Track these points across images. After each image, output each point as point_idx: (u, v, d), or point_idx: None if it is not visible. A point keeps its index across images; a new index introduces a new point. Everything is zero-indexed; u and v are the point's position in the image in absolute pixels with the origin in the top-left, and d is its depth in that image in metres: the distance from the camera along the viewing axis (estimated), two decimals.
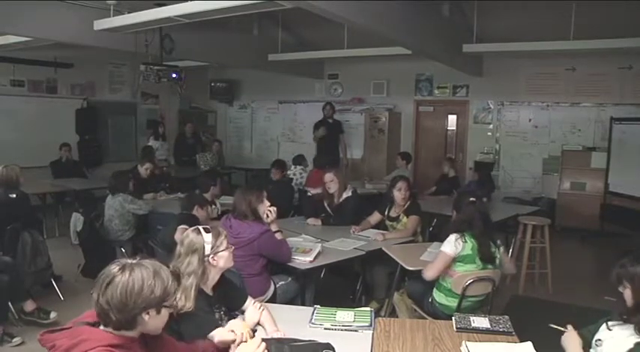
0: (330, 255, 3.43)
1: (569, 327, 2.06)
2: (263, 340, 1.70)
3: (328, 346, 1.84)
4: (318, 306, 2.42)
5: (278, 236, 3.27)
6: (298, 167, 6.69)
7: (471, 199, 3.09)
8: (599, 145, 6.97)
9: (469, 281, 2.85)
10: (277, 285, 3.22)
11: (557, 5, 5.61)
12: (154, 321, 1.51)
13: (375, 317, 2.31)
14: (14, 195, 4.18)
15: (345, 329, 2.21)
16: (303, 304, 3.17)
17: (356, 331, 2.20)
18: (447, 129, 8.50)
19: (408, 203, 4.14)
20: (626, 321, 1.88)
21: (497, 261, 2.98)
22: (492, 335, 2.16)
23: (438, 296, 3.02)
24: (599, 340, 1.93)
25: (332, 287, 4.11)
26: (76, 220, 4.53)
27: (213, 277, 2.20)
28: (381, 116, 8.52)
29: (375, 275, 4.04)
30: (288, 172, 6.62)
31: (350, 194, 4.45)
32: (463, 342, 2.04)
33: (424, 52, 6.22)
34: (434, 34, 5.86)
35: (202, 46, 6.77)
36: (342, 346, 1.95)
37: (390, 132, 8.46)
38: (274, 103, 10.16)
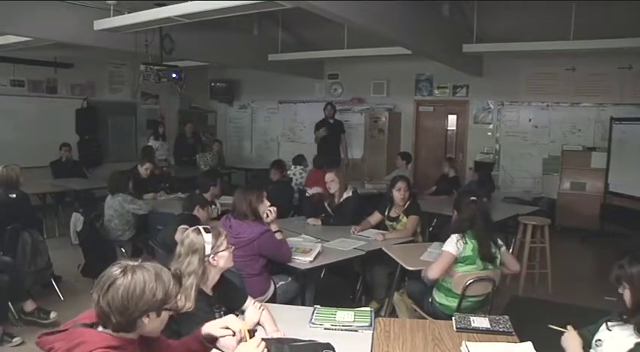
0: (330, 255, 3.42)
1: (569, 327, 2.06)
2: (263, 340, 1.70)
3: (328, 346, 1.84)
4: (318, 306, 2.42)
5: (278, 236, 3.27)
6: (298, 167, 6.69)
7: (472, 198, 3.09)
8: (599, 145, 6.98)
9: (469, 281, 2.85)
10: (277, 285, 3.22)
11: (557, 5, 5.61)
12: (153, 324, 1.50)
13: (375, 317, 2.31)
14: (14, 195, 4.18)
15: (345, 329, 2.21)
16: (303, 304, 3.17)
17: (356, 331, 2.20)
18: (447, 129, 8.50)
19: (408, 203, 4.14)
20: (625, 321, 1.88)
21: (498, 261, 2.99)
22: (492, 335, 2.16)
23: (438, 296, 3.02)
24: (599, 340, 1.93)
25: (332, 287, 4.11)
26: (76, 220, 4.53)
27: (213, 277, 2.20)
28: (381, 116, 8.52)
29: (375, 275, 4.04)
30: (288, 172, 6.62)
31: (350, 194, 4.45)
32: (463, 342, 2.04)
33: (424, 52, 6.22)
34: (434, 34, 5.86)
35: (202, 46, 6.77)
36: (342, 346, 1.95)
37: (390, 132, 8.46)
38: (274, 103, 10.16)
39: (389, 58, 7.06)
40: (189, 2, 4.31)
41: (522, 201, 6.97)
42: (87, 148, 8.46)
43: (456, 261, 2.90)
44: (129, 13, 5.00)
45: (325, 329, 2.21)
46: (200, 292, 2.08)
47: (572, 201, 6.99)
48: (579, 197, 6.95)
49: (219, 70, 10.08)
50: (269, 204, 3.28)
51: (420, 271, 3.24)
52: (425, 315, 3.06)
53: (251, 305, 2.28)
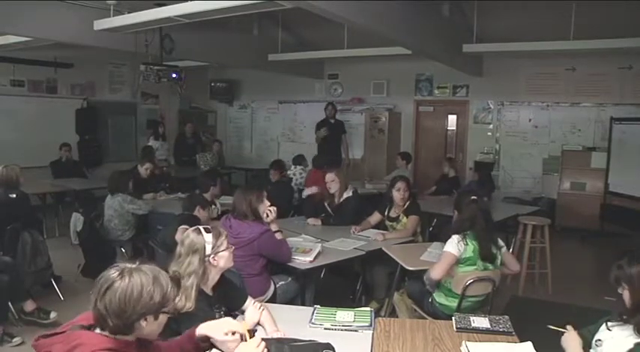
0: (330, 255, 3.42)
1: (569, 327, 2.06)
2: (263, 340, 1.70)
3: (328, 346, 1.84)
4: (318, 306, 2.42)
5: (278, 236, 3.27)
6: (298, 167, 6.69)
7: (473, 198, 3.09)
8: (599, 145, 6.98)
9: (469, 282, 2.85)
10: (277, 285, 3.22)
11: (557, 5, 5.61)
12: (151, 327, 1.49)
13: (375, 317, 2.31)
14: (14, 195, 4.18)
15: (345, 329, 2.21)
16: (303, 304, 3.17)
17: (356, 331, 2.20)
18: (447, 129, 8.50)
19: (408, 203, 4.14)
20: (625, 322, 1.88)
21: (498, 261, 2.98)
22: (492, 335, 2.16)
23: (438, 296, 3.02)
24: (599, 340, 1.93)
25: (332, 287, 4.12)
26: (76, 220, 4.53)
27: (214, 277, 2.20)
28: (381, 116, 8.52)
29: (375, 275, 4.04)
30: (288, 172, 6.62)
31: (351, 194, 4.45)
32: (463, 342, 2.04)
33: (424, 52, 6.22)
34: (434, 34, 5.86)
35: (202, 46, 6.77)
36: (342, 346, 1.95)
37: (390, 132, 8.46)
38: (274, 103, 10.16)
39: (389, 58, 7.06)
40: (189, 2, 4.31)
41: (522, 201, 6.97)
42: (87, 148, 8.46)
43: (457, 262, 2.90)
44: (129, 13, 5.00)
45: (325, 329, 2.21)
46: (200, 292, 2.08)
47: (572, 201, 6.99)
48: (579, 197, 6.95)
49: (219, 70, 10.08)
50: (269, 203, 3.28)
51: (419, 271, 3.25)
52: (425, 315, 3.06)
53: (251, 305, 2.28)
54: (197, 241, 2.14)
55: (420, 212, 4.17)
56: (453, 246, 2.89)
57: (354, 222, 4.16)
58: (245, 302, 2.33)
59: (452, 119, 8.44)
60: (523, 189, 7.65)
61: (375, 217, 4.26)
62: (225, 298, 2.28)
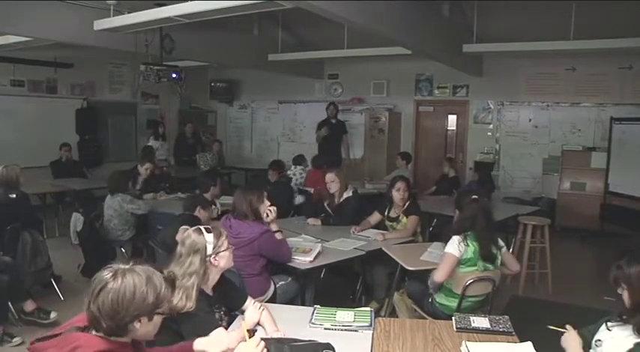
0: (330, 255, 3.42)
1: (569, 327, 2.06)
2: (263, 340, 1.70)
3: (328, 346, 1.84)
4: (318, 306, 2.42)
5: (278, 236, 3.27)
6: (298, 167, 6.69)
7: (474, 197, 3.09)
8: (599, 145, 6.98)
9: (469, 282, 2.85)
10: (277, 285, 3.22)
11: (557, 5, 5.61)
12: (145, 328, 1.48)
13: (375, 317, 2.31)
14: (14, 195, 4.18)
15: (345, 329, 2.21)
16: (303, 304, 3.17)
17: (356, 331, 2.20)
18: (447, 129, 8.50)
19: (408, 203, 4.14)
20: (625, 322, 1.88)
21: (498, 261, 2.98)
22: (492, 335, 2.16)
23: (438, 297, 3.02)
24: (599, 340, 1.93)
25: (332, 287, 4.11)
26: (76, 220, 4.53)
27: (214, 277, 2.21)
28: (381, 116, 8.52)
29: (375, 275, 4.04)
30: (288, 172, 6.62)
31: (350, 194, 4.45)
32: (463, 342, 2.04)
33: (424, 52, 6.22)
34: (434, 34, 5.86)
35: (202, 46, 6.77)
36: (342, 346, 1.95)
37: (390, 132, 8.46)
38: (274, 103, 10.16)
39: (389, 58, 7.06)
40: (189, 2, 4.31)
41: (522, 201, 6.97)
42: (87, 148, 8.45)
43: (458, 262, 2.89)
44: (129, 13, 5.00)
45: (325, 329, 2.21)
46: (200, 292, 2.08)
47: (572, 201, 6.99)
48: (579, 197, 6.95)
49: (219, 70, 10.08)
50: (269, 203, 3.29)
51: (419, 271, 3.25)
52: (425, 315, 3.06)
53: (251, 305, 2.28)
54: (198, 241, 2.14)
55: (419, 212, 4.17)
56: (454, 247, 2.88)
57: (354, 222, 4.15)
58: (245, 302, 2.33)
59: (452, 119, 8.43)
60: (523, 189, 7.65)
61: (375, 217, 4.25)
62: (225, 298, 2.29)
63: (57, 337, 1.46)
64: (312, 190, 5.72)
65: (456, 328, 2.22)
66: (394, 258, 3.38)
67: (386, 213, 4.24)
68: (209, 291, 2.19)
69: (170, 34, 6.11)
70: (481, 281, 2.90)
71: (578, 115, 7.24)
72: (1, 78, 7.57)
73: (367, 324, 2.23)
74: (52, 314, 3.70)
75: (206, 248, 2.13)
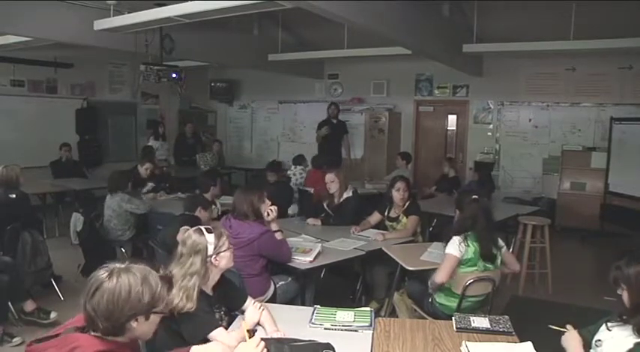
0: (330, 255, 3.42)
1: (569, 327, 2.06)
2: (263, 340, 1.70)
3: (328, 346, 1.84)
4: (318, 306, 2.42)
5: (278, 235, 3.27)
6: (298, 167, 6.68)
7: (474, 197, 3.08)
8: (599, 145, 6.98)
9: (469, 282, 2.85)
10: (277, 285, 3.22)
11: (557, 5, 5.61)
12: (142, 327, 1.48)
13: (375, 317, 2.31)
14: (14, 195, 4.18)
15: (345, 329, 2.21)
16: (303, 304, 3.17)
17: (356, 331, 2.20)
18: (447, 129, 8.50)
19: (408, 203, 4.14)
20: (625, 322, 1.88)
21: (498, 261, 2.98)
22: (492, 335, 2.16)
23: (438, 296, 3.02)
24: (599, 340, 1.93)
25: (332, 287, 4.11)
26: (76, 220, 4.53)
27: (214, 277, 2.21)
28: (381, 116, 8.52)
29: (375, 275, 4.04)
30: (288, 172, 6.62)
31: (350, 194, 4.45)
32: (463, 342, 2.04)
33: (424, 52, 6.22)
34: (434, 34, 5.86)
35: (202, 46, 6.77)
36: (342, 346, 1.95)
37: (390, 132, 8.46)
38: (274, 103, 10.16)
39: (389, 58, 7.06)
40: (189, 2, 4.31)
41: (522, 201, 6.97)
42: (87, 148, 8.45)
43: (459, 263, 2.89)
44: (129, 13, 5.00)
45: (325, 329, 2.21)
46: (200, 292, 2.08)
47: (572, 201, 6.99)
48: (579, 197, 6.95)
49: (219, 70, 10.07)
50: (269, 203, 3.29)
51: (419, 271, 3.25)
52: (425, 315, 3.06)
53: (251, 305, 2.28)
54: (199, 241, 2.14)
55: (419, 212, 4.17)
56: (455, 247, 2.88)
57: (354, 222, 4.15)
58: (245, 302, 2.33)
59: (452, 119, 8.43)
60: (523, 189, 7.65)
61: (375, 217, 4.25)
62: (225, 298, 2.29)
63: (56, 337, 1.45)
64: (312, 190, 5.71)
65: (456, 328, 2.22)
66: (394, 257, 3.38)
67: (386, 213, 4.23)
68: (209, 291, 2.19)
69: (170, 34, 6.11)
70: (481, 281, 2.90)
71: (578, 115, 7.24)
72: (1, 78, 7.57)
73: (367, 324, 2.23)
74: (52, 314, 3.70)
75: (207, 248, 2.14)
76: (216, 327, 2.05)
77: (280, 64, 7.79)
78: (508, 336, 2.16)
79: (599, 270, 5.19)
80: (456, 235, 2.92)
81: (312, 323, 2.24)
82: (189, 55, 6.85)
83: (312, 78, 9.25)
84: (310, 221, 4.37)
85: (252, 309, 2.24)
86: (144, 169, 5.86)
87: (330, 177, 4.43)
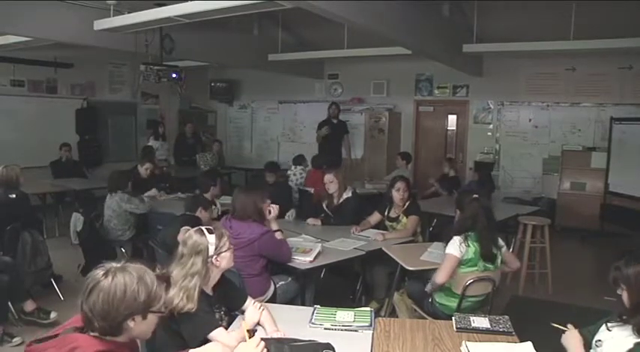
0: (330, 255, 3.43)
1: (570, 326, 2.06)
2: (263, 340, 1.70)
3: (328, 346, 1.84)
4: (318, 306, 2.42)
5: (278, 235, 3.28)
6: (298, 167, 6.67)
7: (474, 196, 3.08)
8: (599, 145, 6.98)
9: (469, 282, 2.85)
10: (277, 285, 3.22)
11: (557, 5, 5.61)
12: (140, 327, 1.48)
13: (375, 317, 2.31)
14: (14, 195, 4.18)
15: (345, 329, 2.21)
16: (303, 304, 3.17)
17: (356, 331, 2.20)
18: (447, 129, 8.50)
19: (408, 203, 4.14)
20: (625, 322, 1.88)
21: (499, 261, 2.98)
22: (492, 335, 2.16)
23: (438, 296, 3.02)
24: (599, 341, 1.93)
25: (332, 287, 4.11)
26: (76, 220, 4.53)
27: (214, 277, 2.21)
28: (381, 116, 8.52)
29: (375, 275, 4.04)
30: (288, 172, 6.62)
31: (350, 195, 4.44)
32: (463, 342, 2.04)
33: (424, 52, 6.22)
34: (434, 34, 5.86)
35: (202, 46, 6.77)
36: (342, 346, 1.95)
37: (390, 132, 8.46)
38: (274, 103, 10.16)
39: (389, 58, 7.06)
40: (189, 2, 4.31)
41: (522, 201, 6.97)
42: (87, 148, 8.45)
43: (459, 263, 2.89)
44: (129, 13, 5.00)
45: (325, 329, 2.21)
46: (200, 292, 2.08)
47: (572, 201, 6.99)
48: (579, 197, 6.95)
49: (219, 70, 10.07)
50: (270, 202, 3.30)
51: (420, 271, 3.25)
52: (425, 315, 3.06)
53: (251, 305, 2.28)
54: (201, 242, 2.14)
55: (419, 212, 4.17)
56: (455, 247, 2.88)
57: (354, 222, 4.15)
58: (245, 302, 2.33)
59: (452, 119, 8.43)
60: (523, 189, 7.65)
61: (375, 217, 4.25)
62: (225, 298, 2.29)
63: (55, 338, 1.45)
64: (312, 190, 5.71)
65: (456, 328, 2.22)
66: (394, 257, 3.38)
67: (386, 213, 4.23)
68: (209, 291, 2.19)
69: (170, 34, 6.11)
70: (481, 281, 2.90)
71: (578, 115, 7.24)
72: (1, 78, 7.57)
73: (367, 324, 2.23)
74: (52, 314, 3.70)
75: (208, 249, 2.14)
76: (216, 327, 2.05)
77: (280, 64, 7.79)
78: (508, 336, 2.16)
79: (599, 270, 5.18)
80: (456, 235, 2.92)
81: (312, 323, 2.24)
82: (189, 55, 6.85)
83: (312, 78, 9.25)
84: (310, 221, 4.37)
85: (252, 309, 2.24)
86: (144, 169, 5.86)
87: (329, 177, 4.43)
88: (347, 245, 3.67)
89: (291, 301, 3.20)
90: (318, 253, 3.32)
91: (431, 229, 5.05)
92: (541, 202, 7.05)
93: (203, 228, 2.22)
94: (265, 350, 1.67)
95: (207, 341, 1.98)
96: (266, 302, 2.83)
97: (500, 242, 3.03)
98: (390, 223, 4.20)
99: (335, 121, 7.90)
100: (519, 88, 7.62)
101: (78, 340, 1.41)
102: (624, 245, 5.96)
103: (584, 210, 6.78)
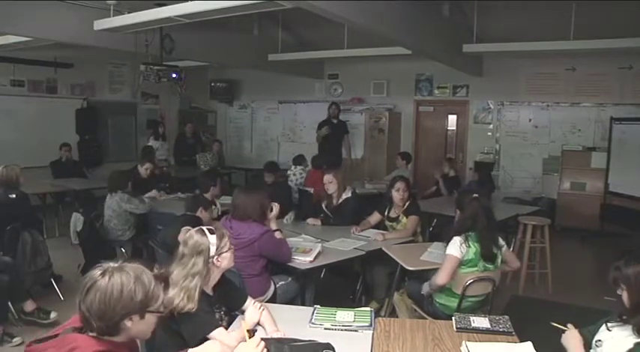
0: (330, 255, 3.43)
1: (570, 326, 2.06)
2: (263, 340, 1.70)
3: (328, 346, 1.84)
4: (318, 306, 2.42)
5: (277, 235, 3.28)
6: (298, 167, 6.68)
7: (474, 195, 3.08)
8: (599, 145, 6.98)
9: (469, 281, 2.85)
10: (277, 285, 3.22)
11: (557, 5, 5.61)
12: (138, 327, 1.47)
13: (375, 317, 2.31)
14: (14, 195, 4.18)
15: (345, 329, 2.21)
16: (303, 304, 3.17)
17: (356, 331, 2.20)
18: (447, 129, 8.51)
19: (408, 203, 4.14)
20: (625, 322, 1.88)
21: (499, 261, 2.98)
22: (492, 335, 2.16)
23: (438, 297, 3.02)
24: (600, 341, 1.93)
25: (332, 287, 4.11)
26: (76, 220, 4.53)
27: (215, 277, 2.21)
28: (381, 116, 8.52)
29: (375, 275, 4.04)
30: (288, 172, 6.62)
31: (349, 195, 4.44)
32: (463, 342, 2.04)
33: (424, 52, 6.22)
34: (434, 34, 5.86)
35: (202, 46, 6.77)
36: (342, 346, 1.95)
37: (390, 132, 8.46)
38: (274, 103, 10.16)
39: (389, 58, 7.06)
40: (189, 2, 4.31)
41: (522, 201, 6.97)
42: (87, 148, 8.46)
43: (460, 263, 2.88)
44: (129, 13, 5.00)
45: (325, 329, 2.21)
46: (201, 292, 2.08)
47: (572, 201, 6.99)
48: (579, 197, 6.95)
49: (219, 70, 10.08)
50: (269, 201, 3.32)
51: (420, 271, 3.25)
52: (425, 315, 3.05)
53: (251, 305, 2.28)
54: (202, 242, 2.14)
55: (419, 212, 4.17)
56: (456, 248, 2.87)
57: (354, 222, 4.15)
58: (245, 302, 2.33)
59: (452, 119, 8.44)
60: (523, 189, 7.65)
61: (375, 217, 4.25)
62: (226, 298, 2.29)
63: (55, 338, 1.45)
64: (312, 190, 5.71)
65: (456, 328, 2.22)
66: (394, 257, 3.38)
67: (386, 213, 4.23)
68: (209, 291, 2.19)
69: (170, 34, 6.11)
70: (481, 281, 2.90)
71: (578, 115, 7.24)
72: (1, 78, 7.57)
73: (367, 324, 2.23)
74: (52, 314, 3.70)
75: (209, 249, 2.13)
76: (216, 327, 2.05)
77: (280, 64, 7.79)
78: (508, 336, 2.16)
79: (599, 270, 5.17)
80: (456, 235, 2.91)
81: (312, 323, 2.24)
82: (189, 55, 6.85)
83: (312, 78, 9.25)
84: (310, 221, 4.37)
85: (252, 309, 2.23)
86: (144, 169, 5.86)
87: (328, 177, 4.42)
88: (347, 245, 3.66)
89: (291, 301, 3.20)
90: (318, 253, 3.32)
91: (431, 229, 5.05)
92: (541, 202, 7.05)
93: (204, 228, 2.22)
94: (265, 350, 1.67)
95: (206, 340, 1.97)
96: (266, 302, 2.83)
97: (501, 241, 3.03)
98: (390, 223, 4.20)
99: (335, 121, 7.90)
100: (519, 88, 7.62)
101: (77, 340, 1.41)
102: (624, 245, 5.96)
103: (584, 210, 6.78)
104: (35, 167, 6.82)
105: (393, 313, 3.48)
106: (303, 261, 3.20)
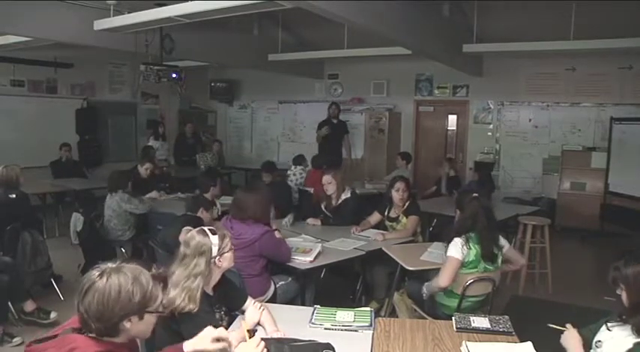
0: (330, 255, 3.43)
1: (569, 326, 2.06)
2: (263, 340, 1.70)
3: (328, 346, 1.84)
4: (318, 306, 2.42)
5: (276, 234, 3.28)
6: (298, 167, 6.68)
7: (474, 195, 3.08)
8: (599, 145, 6.98)
9: (469, 282, 2.85)
10: (277, 285, 3.22)
11: (557, 5, 5.61)
12: (137, 327, 1.47)
13: (375, 317, 2.31)
14: (14, 195, 4.18)
15: (345, 329, 2.21)
16: (303, 304, 3.17)
17: (356, 331, 2.20)
18: (447, 129, 8.51)
19: (408, 203, 4.14)
20: (625, 322, 1.88)
21: (499, 261, 2.98)
22: (492, 335, 2.16)
23: (438, 296, 3.02)
24: (600, 341, 1.93)
25: (332, 287, 4.11)
26: (76, 220, 4.53)
27: (215, 277, 2.21)
28: (381, 116, 8.52)
29: (375, 275, 4.04)
30: (288, 172, 6.62)
31: (349, 195, 4.44)
32: (463, 342, 2.04)
33: (424, 52, 6.23)
34: (434, 34, 5.86)
35: (202, 46, 6.77)
36: (342, 346, 1.95)
37: (390, 132, 8.46)
38: (274, 103, 10.16)
39: (389, 58, 7.06)
40: (189, 2, 4.31)
41: (522, 201, 6.97)
42: (87, 148, 8.46)
43: (461, 265, 2.88)
44: (129, 13, 5.00)
45: (325, 329, 2.21)
46: (202, 292, 2.08)
47: (572, 201, 6.99)
48: (579, 197, 6.95)
49: (219, 70, 10.08)
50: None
51: (420, 271, 3.25)
52: (425, 315, 3.05)
53: (251, 305, 2.28)
54: (204, 243, 2.14)
55: (419, 212, 4.17)
56: (457, 250, 2.85)
57: (354, 222, 4.15)
58: (245, 302, 2.33)
59: (452, 119, 8.44)
60: (523, 189, 7.65)
61: (375, 217, 4.25)
62: (226, 298, 2.29)
63: (55, 338, 1.45)
64: (312, 190, 5.71)
65: (456, 328, 2.22)
66: (394, 257, 3.38)
67: (386, 213, 4.23)
68: (210, 291, 2.19)
69: (170, 34, 6.11)
70: (481, 281, 2.90)
71: (578, 115, 7.24)
72: (1, 78, 7.57)
73: (367, 324, 2.23)
74: (52, 314, 3.70)
75: (211, 250, 2.13)
76: (217, 327, 2.04)
77: (280, 64, 7.79)
78: (508, 336, 2.16)
79: (599, 270, 5.17)
80: (457, 236, 2.90)
81: (312, 323, 2.24)
82: (189, 55, 6.85)
83: (312, 78, 9.25)
84: (310, 221, 4.37)
85: (253, 309, 2.24)
86: (144, 169, 5.86)
87: (327, 178, 4.41)
88: (347, 245, 3.67)
89: (291, 301, 3.20)
90: (318, 253, 3.33)
91: (431, 229, 5.05)
92: (541, 202, 7.05)
93: (206, 228, 2.22)
94: (265, 350, 1.67)
95: None
96: (266, 302, 2.83)
97: (502, 241, 3.02)
98: (390, 223, 4.20)
99: (335, 121, 7.89)
100: (519, 88, 7.62)
101: (77, 341, 1.41)
102: (624, 245, 5.96)
103: (584, 210, 6.78)
104: (35, 167, 6.82)
105: (393, 313, 3.48)
106: (303, 261, 3.20)
